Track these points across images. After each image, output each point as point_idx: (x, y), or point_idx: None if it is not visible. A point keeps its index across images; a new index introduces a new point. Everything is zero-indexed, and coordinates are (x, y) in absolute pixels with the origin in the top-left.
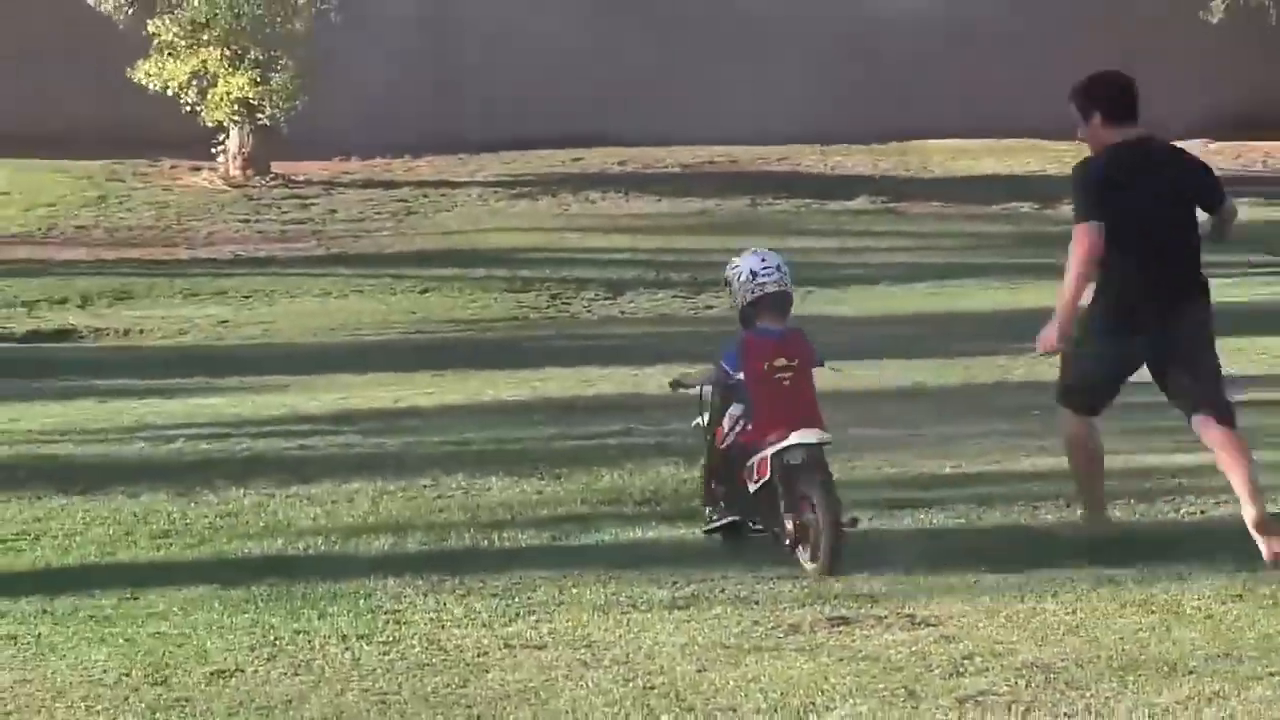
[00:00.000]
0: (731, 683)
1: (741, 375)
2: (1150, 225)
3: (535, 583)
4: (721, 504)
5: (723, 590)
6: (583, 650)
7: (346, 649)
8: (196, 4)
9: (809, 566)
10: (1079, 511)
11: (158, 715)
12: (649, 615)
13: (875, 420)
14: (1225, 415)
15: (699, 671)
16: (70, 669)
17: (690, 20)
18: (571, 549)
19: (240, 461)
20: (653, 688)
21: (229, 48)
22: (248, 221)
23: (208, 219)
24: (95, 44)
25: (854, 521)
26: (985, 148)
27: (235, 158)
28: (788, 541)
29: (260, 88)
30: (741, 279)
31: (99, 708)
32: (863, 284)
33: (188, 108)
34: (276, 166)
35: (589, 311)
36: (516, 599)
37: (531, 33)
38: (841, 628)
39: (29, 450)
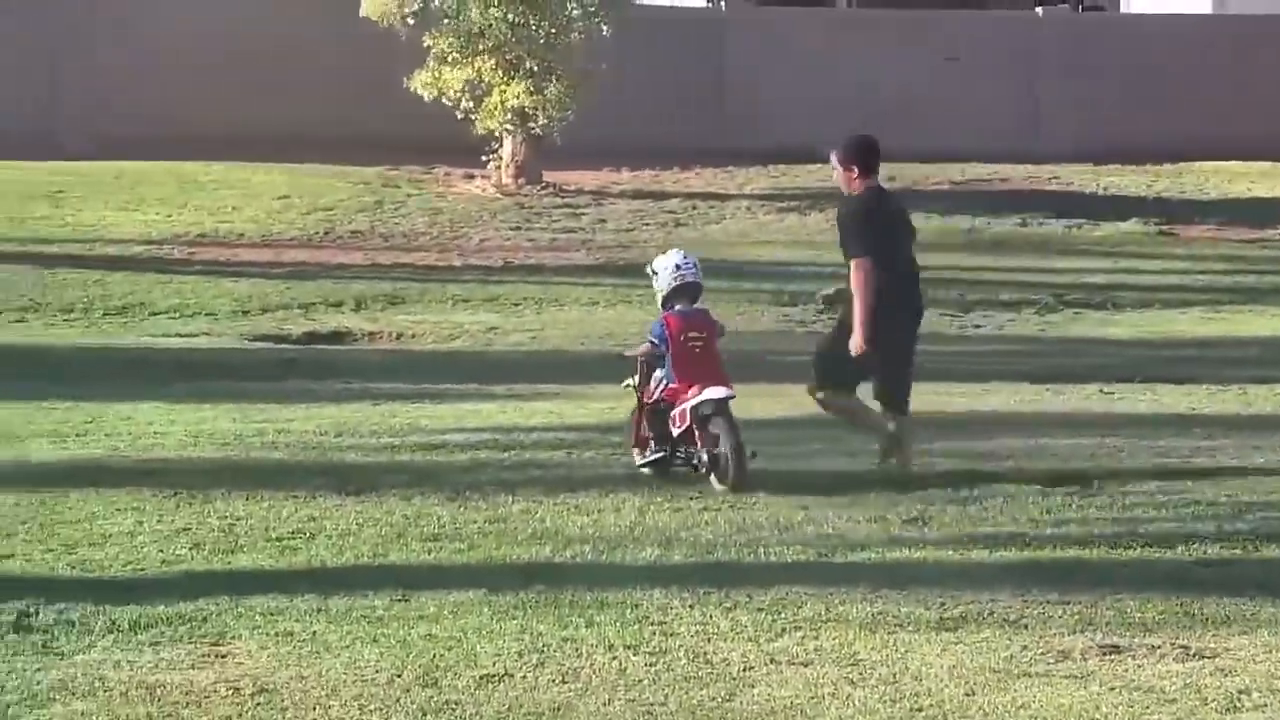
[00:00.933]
0: (1000, 708)
1: (663, 346)
2: (901, 254)
3: (801, 599)
4: (651, 445)
5: (991, 613)
6: (849, 668)
7: (613, 658)
8: (473, 15)
9: (719, 487)
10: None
11: (428, 717)
12: (916, 635)
13: (1153, 448)
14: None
15: (966, 695)
16: (344, 667)
17: (959, 37)
18: (837, 566)
19: (509, 468)
20: (919, 709)
21: (504, 57)
22: (518, 229)
23: (480, 226)
24: (375, 55)
25: (753, 454)
26: (1263, 170)
27: (508, 166)
28: (704, 470)
29: (534, 97)
30: (667, 271)
31: (371, 707)
32: (1135, 307)
33: (462, 115)
34: (548, 175)
35: None
36: (782, 614)
37: (799, 47)
38: (1113, 656)
39: (304, 451)
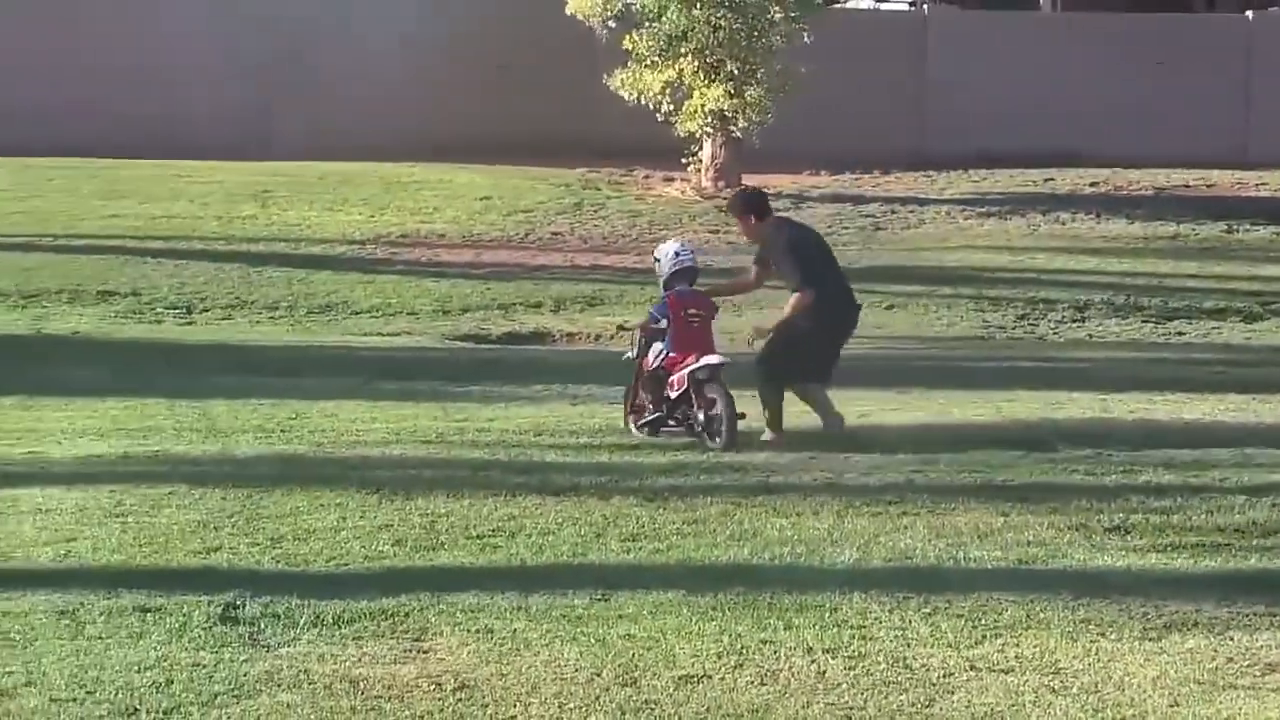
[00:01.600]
0: None
1: (664, 322)
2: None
3: (1001, 605)
4: (649, 409)
5: (1196, 623)
6: (1050, 676)
7: (812, 661)
8: (674, 18)
9: (713, 445)
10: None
11: (626, 716)
12: (1119, 644)
13: None
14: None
15: (1171, 706)
16: (544, 665)
17: (1165, 40)
18: (1038, 574)
19: (707, 469)
20: (1122, 719)
21: (705, 60)
22: (717, 232)
23: (678, 228)
24: (575, 57)
25: (742, 415)
26: None
27: (707, 169)
28: (700, 430)
29: (734, 100)
30: (668, 256)
31: (571, 705)
32: None
33: (662, 118)
34: (747, 178)
35: (1056, 333)
36: (982, 621)
37: (1002, 50)
38: None
39: (504, 450)
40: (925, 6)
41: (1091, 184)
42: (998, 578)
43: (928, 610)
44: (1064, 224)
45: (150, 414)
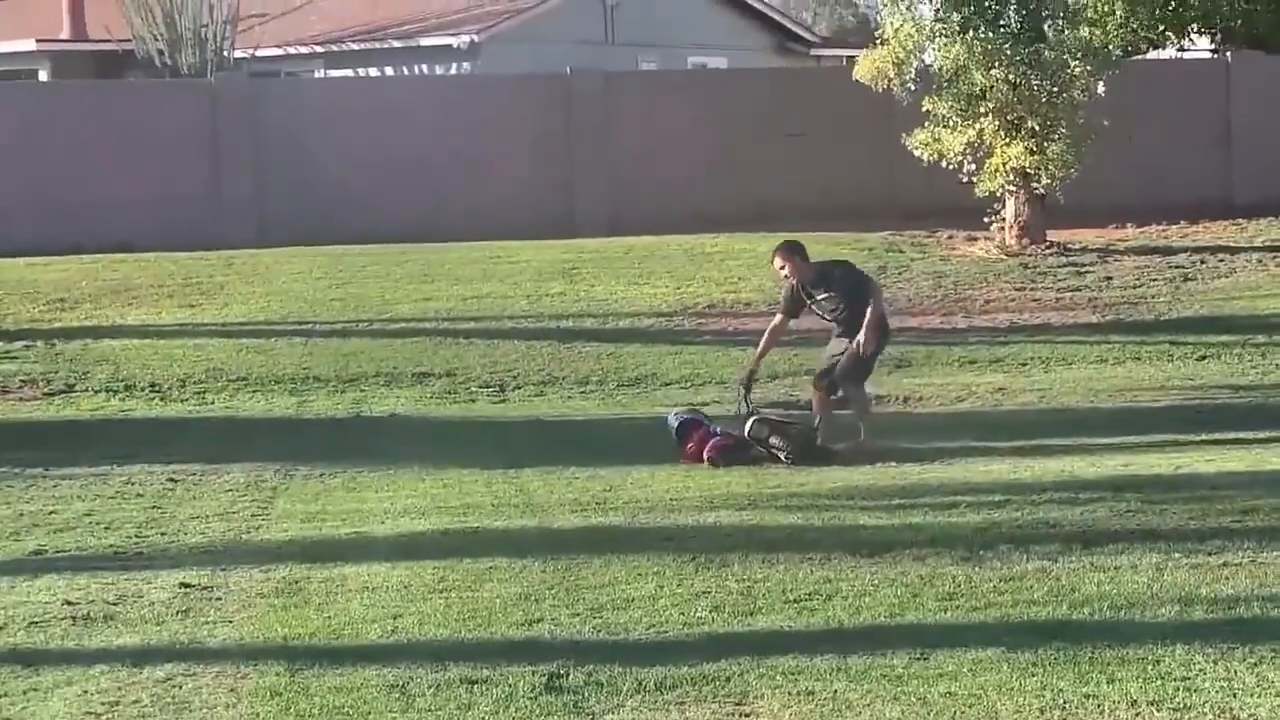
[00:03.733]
0: None
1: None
2: None
3: None
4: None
5: None
6: None
7: (1136, 714)
8: (976, 78)
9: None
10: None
11: None
12: None
13: None
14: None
15: None
16: None
17: None
18: None
19: (1022, 527)
20: None
21: (1005, 118)
22: (1023, 290)
23: (984, 288)
24: (874, 120)
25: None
26: None
27: (1011, 227)
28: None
29: (1036, 156)
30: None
31: None
32: None
33: (964, 179)
34: (1052, 235)
35: None
36: None
37: None
38: None
39: (818, 513)
40: (1228, 53)
41: None
42: None
43: (1253, 660)
44: None
45: (468, 491)
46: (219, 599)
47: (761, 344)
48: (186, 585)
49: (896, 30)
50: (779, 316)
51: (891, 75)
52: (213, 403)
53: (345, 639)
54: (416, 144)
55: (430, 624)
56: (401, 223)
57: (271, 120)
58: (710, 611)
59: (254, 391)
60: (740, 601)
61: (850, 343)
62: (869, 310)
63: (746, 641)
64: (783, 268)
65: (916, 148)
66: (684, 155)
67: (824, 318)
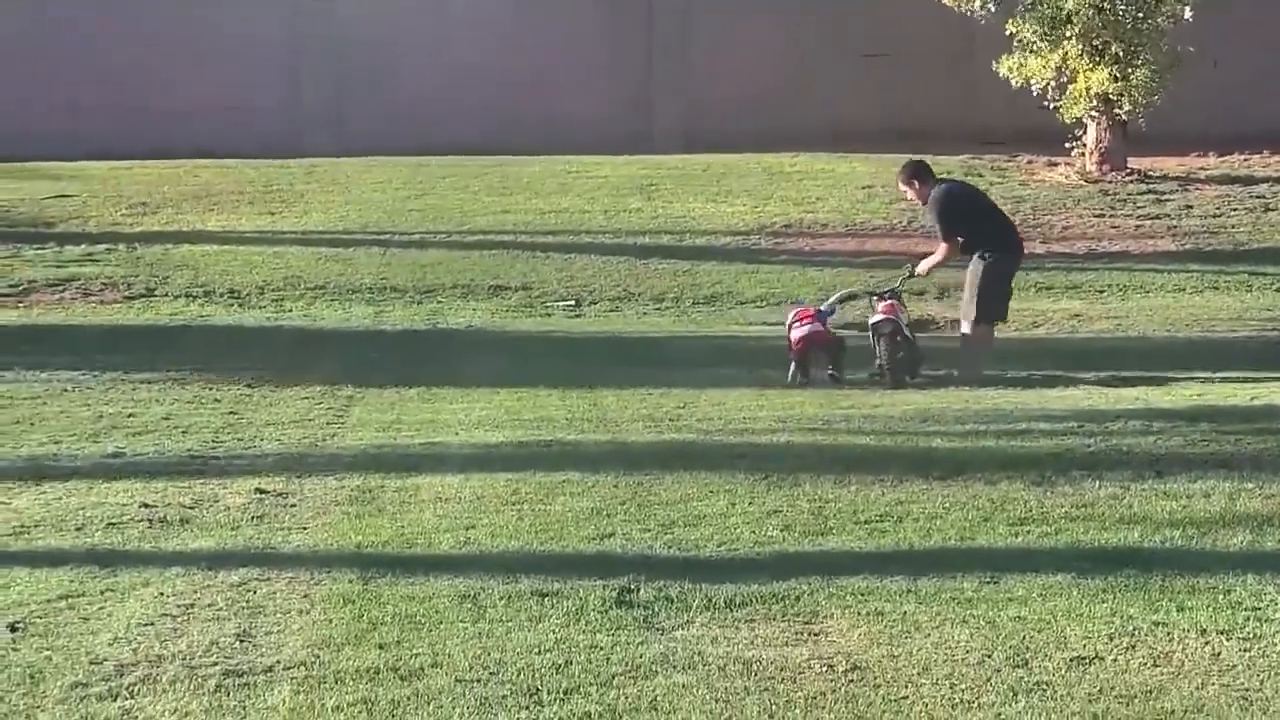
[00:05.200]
0: None
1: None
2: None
3: None
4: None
5: None
6: None
7: (1206, 643)
8: (1059, 1)
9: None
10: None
11: (1018, 697)
12: None
13: None
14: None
15: None
16: (935, 647)
17: None
18: None
19: (1095, 453)
20: None
21: (1090, 43)
22: (1102, 216)
23: (1063, 214)
24: (954, 43)
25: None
26: None
27: (1092, 153)
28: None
29: (1120, 83)
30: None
31: (962, 686)
32: None
33: (1047, 104)
34: (1133, 162)
35: None
36: None
37: None
38: None
39: (890, 436)
40: None
41: None
42: None
43: None
44: None
45: (542, 405)
46: (293, 505)
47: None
48: (262, 491)
49: None
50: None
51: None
52: (290, 310)
53: (418, 548)
54: (494, 56)
55: (502, 535)
56: (479, 136)
57: (351, 29)
58: (781, 530)
59: (332, 300)
60: (811, 521)
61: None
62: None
63: (816, 561)
64: (905, 193)
65: (1006, 73)
66: (762, 73)
67: None
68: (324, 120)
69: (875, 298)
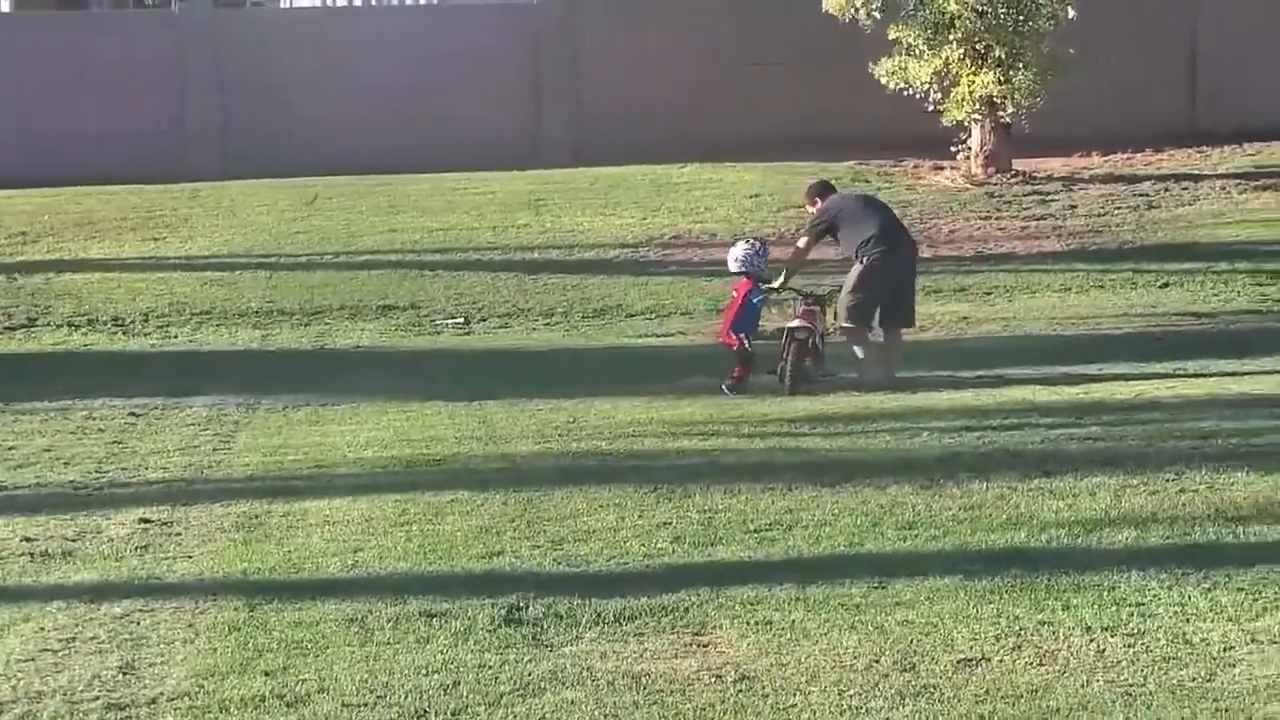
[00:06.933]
0: None
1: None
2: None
3: None
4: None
5: None
6: None
7: (1091, 640)
8: (940, 5)
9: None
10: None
11: (906, 701)
12: None
13: None
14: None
15: None
16: (823, 654)
17: None
18: None
19: (983, 455)
20: None
21: (972, 47)
22: (988, 219)
23: (949, 217)
24: (840, 51)
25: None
26: None
27: (977, 156)
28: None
29: (1003, 85)
30: (756, 249)
31: (850, 692)
32: None
33: (930, 107)
34: (1017, 164)
35: None
36: (1263, 594)
37: (1276, 19)
38: None
39: (780, 442)
40: None
41: None
42: (1279, 550)
43: (1207, 585)
44: None
45: (431, 423)
46: (179, 534)
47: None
48: (146, 521)
49: None
50: None
51: (858, 5)
52: (176, 336)
53: (305, 573)
54: (381, 74)
55: (390, 557)
56: (367, 154)
57: (236, 51)
58: (670, 542)
59: (218, 325)
60: (701, 532)
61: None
62: None
63: (706, 572)
64: (809, 211)
65: (883, 76)
66: (651, 84)
67: None
68: (209, 142)
69: (800, 301)
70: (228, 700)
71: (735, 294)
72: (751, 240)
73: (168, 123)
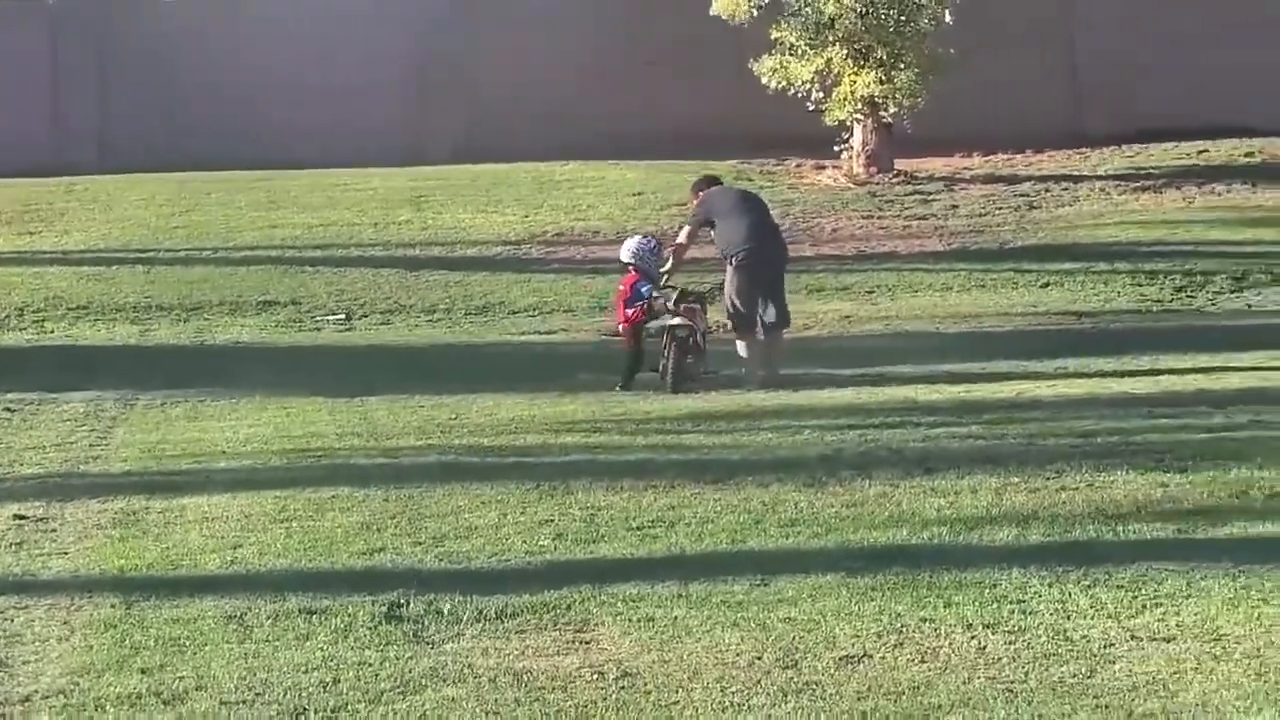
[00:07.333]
0: None
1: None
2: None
3: (1162, 575)
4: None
5: None
6: (1211, 643)
7: (972, 637)
8: (822, 5)
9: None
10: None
11: (788, 698)
12: None
13: None
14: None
15: None
16: (705, 651)
17: None
18: (1198, 542)
19: (865, 453)
20: None
21: (854, 47)
22: (870, 218)
23: (832, 216)
24: (722, 48)
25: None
26: None
27: (859, 155)
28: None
29: (884, 85)
30: (650, 246)
31: (733, 689)
32: None
33: (812, 107)
34: (899, 164)
35: (1213, 305)
36: (1143, 591)
37: (1154, 19)
38: None
39: (664, 440)
40: None
41: (1247, 154)
42: (1158, 548)
43: (1087, 583)
44: (1220, 195)
45: (312, 420)
46: (54, 530)
47: None
48: (21, 517)
49: None
50: None
51: (744, 7)
52: (52, 331)
53: (183, 570)
54: (265, 69)
55: (270, 554)
56: (248, 149)
57: (116, 43)
58: (553, 539)
59: (95, 320)
60: (583, 529)
61: None
62: None
63: (588, 569)
64: (693, 204)
65: (763, 74)
66: (536, 83)
67: None
68: (86, 136)
69: (677, 297)
70: (103, 698)
71: (622, 286)
72: (646, 236)
73: (43, 116)
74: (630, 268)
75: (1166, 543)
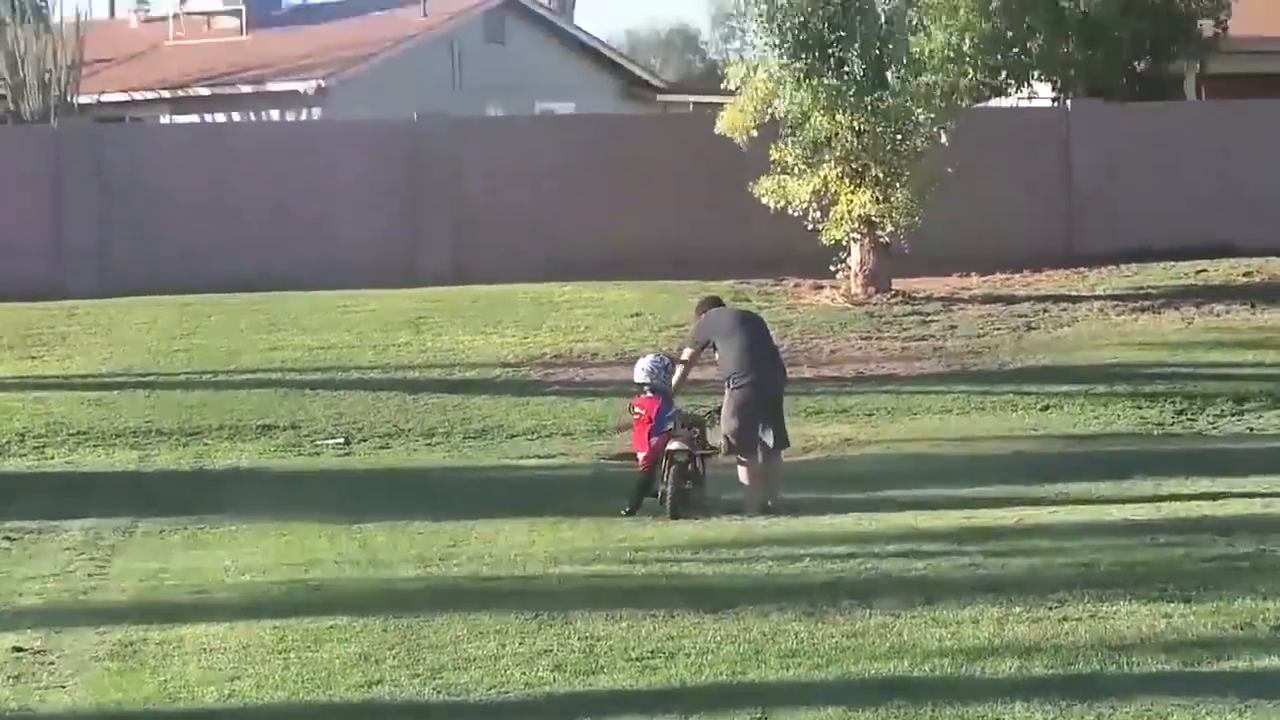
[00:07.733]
0: None
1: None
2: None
3: (1167, 709)
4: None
5: None
6: None
7: None
8: (818, 124)
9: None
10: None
11: None
12: None
13: None
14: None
15: None
16: None
17: None
18: (1204, 676)
19: (866, 581)
20: None
21: (850, 166)
22: (869, 339)
23: (830, 337)
24: (720, 168)
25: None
26: None
27: (856, 275)
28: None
29: (881, 205)
30: (663, 364)
31: None
32: None
33: (810, 226)
34: (897, 283)
35: (1215, 428)
36: None
37: (1148, 142)
38: None
39: (663, 567)
40: (1068, 102)
41: (1245, 274)
42: (1163, 681)
43: (1091, 716)
44: (1219, 316)
45: (311, 547)
46: (52, 663)
47: None
48: (19, 649)
49: (745, 79)
50: None
51: (749, 126)
52: (52, 457)
53: (180, 703)
54: (262, 191)
55: (268, 686)
56: (247, 271)
57: (116, 167)
58: (552, 671)
59: (95, 446)
60: (582, 660)
61: None
62: None
63: (587, 701)
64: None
65: (762, 195)
66: (531, 202)
67: None
68: (87, 260)
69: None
70: None
71: (641, 411)
72: (659, 354)
73: (45, 240)
74: (645, 388)
75: (1172, 676)
